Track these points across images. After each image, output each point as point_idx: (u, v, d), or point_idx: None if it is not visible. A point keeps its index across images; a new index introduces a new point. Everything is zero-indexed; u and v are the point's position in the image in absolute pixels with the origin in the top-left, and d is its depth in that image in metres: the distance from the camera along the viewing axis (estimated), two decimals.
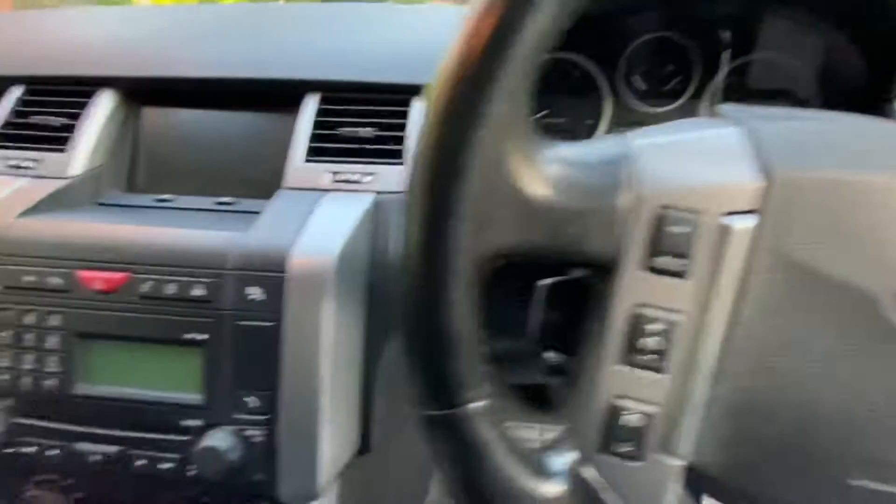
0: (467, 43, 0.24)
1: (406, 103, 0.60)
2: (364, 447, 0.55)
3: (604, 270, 0.27)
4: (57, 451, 0.49)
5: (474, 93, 0.24)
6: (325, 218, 0.51)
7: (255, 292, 0.46)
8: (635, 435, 0.28)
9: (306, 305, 0.46)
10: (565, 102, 0.72)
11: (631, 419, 0.28)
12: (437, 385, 0.27)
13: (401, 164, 0.56)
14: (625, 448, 0.28)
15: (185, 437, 0.47)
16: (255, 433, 0.47)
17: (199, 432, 0.47)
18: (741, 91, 0.73)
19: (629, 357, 0.27)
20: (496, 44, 0.24)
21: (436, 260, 0.26)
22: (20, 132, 0.62)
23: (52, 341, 0.48)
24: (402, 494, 0.74)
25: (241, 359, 0.47)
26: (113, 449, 0.48)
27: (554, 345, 0.33)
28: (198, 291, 0.46)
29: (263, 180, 0.62)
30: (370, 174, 0.56)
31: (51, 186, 0.57)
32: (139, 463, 0.48)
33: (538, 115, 0.72)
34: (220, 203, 0.60)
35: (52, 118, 0.62)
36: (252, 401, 0.47)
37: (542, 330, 0.33)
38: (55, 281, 0.48)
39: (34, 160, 0.60)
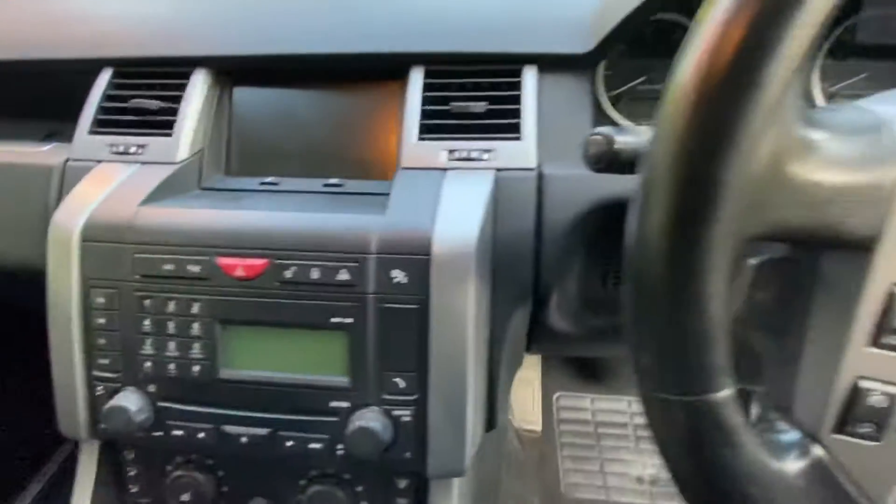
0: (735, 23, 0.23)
1: (517, 73, 0.57)
2: (490, 424, 0.56)
3: (860, 249, 0.26)
4: (204, 434, 0.50)
5: (745, 76, 0.23)
6: (455, 199, 0.50)
7: (398, 275, 0.46)
8: (877, 416, 0.28)
9: (452, 286, 0.46)
10: (665, 67, 0.69)
11: (875, 400, 0.27)
12: (692, 373, 0.26)
13: (517, 139, 0.55)
14: (864, 429, 0.28)
15: (333, 419, 0.48)
16: (403, 413, 0.47)
17: (347, 413, 0.48)
18: (847, 48, 0.69)
19: (880, 338, 0.27)
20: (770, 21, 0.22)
21: (694, 251, 0.25)
22: (119, 117, 0.61)
23: (195, 328, 0.49)
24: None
25: (387, 341, 0.47)
26: (262, 431, 0.49)
27: (761, 325, 0.33)
28: (342, 276, 0.46)
29: (364, 159, 0.61)
30: (487, 151, 0.55)
31: (162, 172, 0.56)
32: (289, 444, 0.49)
33: (636, 82, 0.70)
34: (328, 185, 0.59)
35: (149, 101, 0.61)
36: (399, 381, 0.47)
37: (748, 310, 0.33)
38: (195, 269, 0.48)
39: (139, 145, 0.59)
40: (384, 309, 0.46)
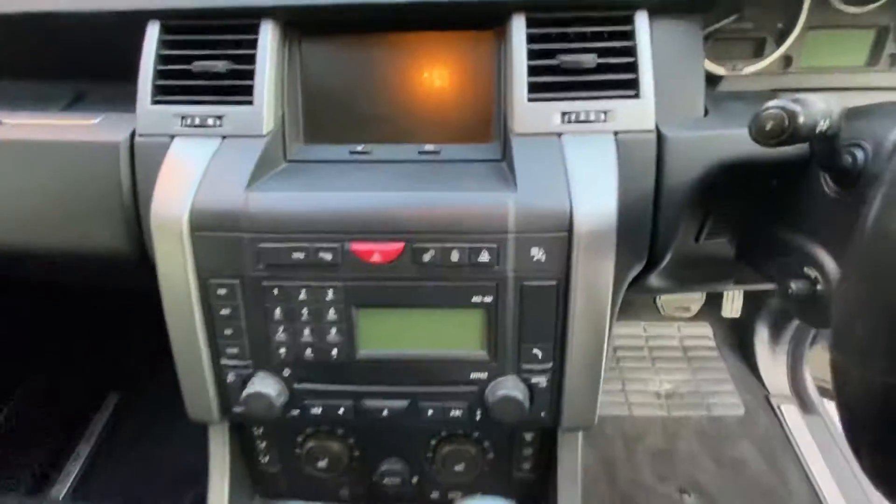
0: None
1: (628, 20, 0.53)
2: None
3: None
4: (344, 410, 0.52)
5: None
6: (584, 169, 0.48)
7: (538, 253, 0.46)
8: None
9: (593, 262, 0.46)
10: (757, 5, 0.65)
11: None
12: None
13: (634, 96, 0.52)
14: None
15: (472, 388, 0.51)
16: (540, 379, 0.50)
17: (485, 383, 0.50)
18: None
19: None
20: None
21: None
22: (183, 82, 0.54)
23: (330, 314, 0.49)
24: None
25: (525, 316, 0.48)
26: (402, 403, 0.52)
27: None
28: (483, 258, 0.46)
29: (457, 121, 0.58)
30: (603, 112, 0.52)
31: (252, 148, 0.52)
32: (429, 413, 0.52)
33: (725, 21, 0.66)
34: (424, 153, 0.56)
35: (216, 62, 0.54)
36: (537, 352, 0.49)
37: None
38: (327, 257, 0.47)
39: (216, 116, 0.54)
40: (523, 287, 0.47)
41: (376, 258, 0.47)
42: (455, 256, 0.46)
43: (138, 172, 0.53)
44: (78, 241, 0.57)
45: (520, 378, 0.50)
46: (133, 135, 0.54)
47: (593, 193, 0.47)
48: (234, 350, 0.50)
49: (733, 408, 1.47)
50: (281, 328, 0.49)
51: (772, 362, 1.55)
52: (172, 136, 0.53)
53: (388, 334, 0.50)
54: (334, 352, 0.50)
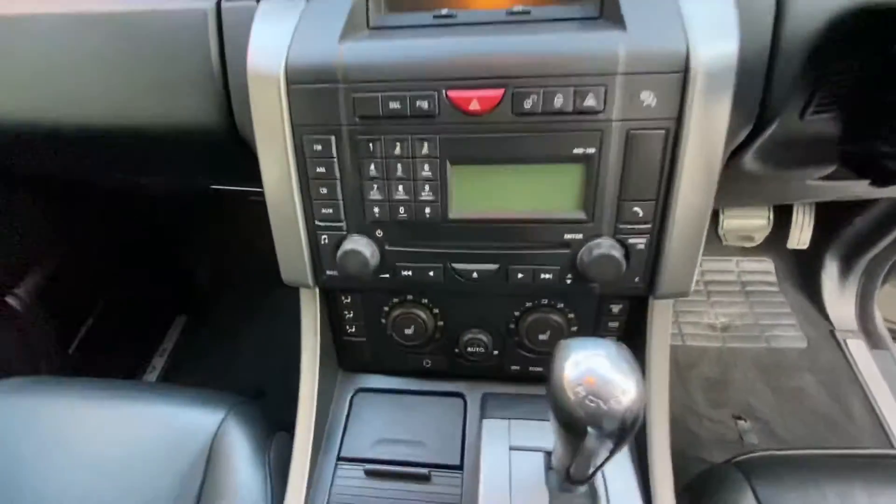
0: None
1: None
2: None
3: None
4: (433, 273, 0.53)
5: None
6: (699, 6, 0.44)
7: (648, 97, 0.43)
8: None
9: (710, 106, 0.43)
10: None
11: None
12: None
13: None
14: None
15: (565, 251, 0.50)
16: (638, 241, 0.49)
17: (580, 244, 0.49)
18: None
19: None
20: None
21: None
22: None
23: (425, 170, 0.48)
24: None
25: (629, 169, 0.46)
26: (492, 266, 0.52)
27: None
28: (589, 102, 0.44)
29: None
30: None
31: (340, 8, 0.50)
32: (519, 276, 0.52)
33: None
34: (513, 13, 0.53)
35: None
36: (638, 210, 0.47)
37: None
38: (423, 105, 0.45)
39: None
40: (630, 135, 0.45)
41: (475, 106, 0.45)
42: (558, 101, 0.44)
43: (226, 38, 0.53)
44: (167, 115, 0.57)
45: (616, 240, 0.49)
46: (219, 0, 0.53)
47: (711, 30, 0.43)
48: (329, 211, 0.51)
49: (795, 340, 1.43)
50: (375, 186, 0.49)
51: (839, 297, 1.48)
52: (258, 0, 0.52)
53: (482, 194, 0.49)
54: (427, 211, 0.50)
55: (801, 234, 1.48)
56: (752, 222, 1.44)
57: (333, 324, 0.62)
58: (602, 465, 0.39)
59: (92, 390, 0.73)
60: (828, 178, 0.66)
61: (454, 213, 0.50)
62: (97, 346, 1.27)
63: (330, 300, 0.61)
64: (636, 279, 0.51)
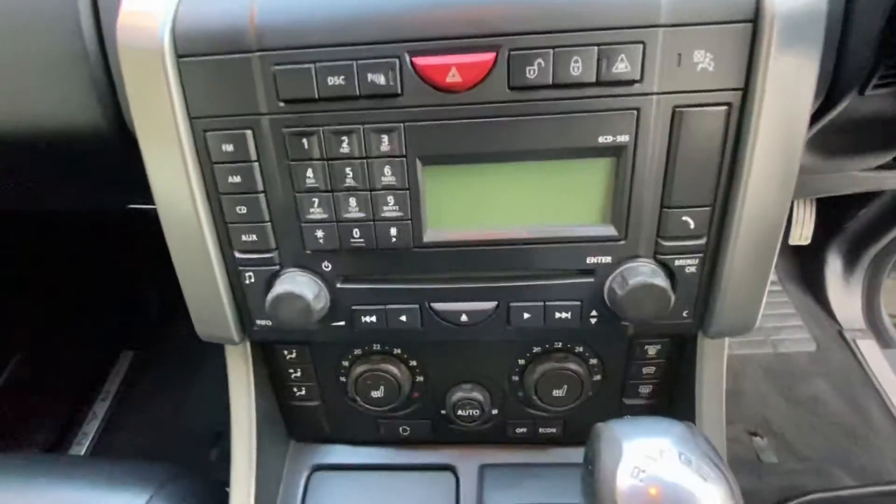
0: None
1: None
2: None
3: None
4: (407, 317, 0.38)
5: None
6: None
7: (703, 57, 0.30)
8: None
9: (791, 69, 0.30)
10: None
11: None
12: None
13: None
14: None
15: (587, 280, 0.36)
16: (687, 264, 0.35)
17: (608, 270, 0.35)
18: None
19: None
20: None
21: None
22: None
23: (386, 174, 0.33)
24: None
25: (676, 164, 0.32)
26: (487, 305, 0.37)
27: None
28: (619, 67, 0.30)
29: None
30: None
31: None
32: (525, 318, 0.37)
33: None
34: None
35: None
36: (688, 221, 0.34)
37: None
38: (378, 80, 0.31)
39: None
40: (678, 115, 0.31)
41: (453, 78, 0.31)
42: (576, 68, 0.30)
43: (102, 4, 0.37)
44: (40, 115, 0.41)
45: (658, 262, 0.35)
46: None
47: None
48: (251, 238, 0.36)
49: (803, 344, 1.33)
50: (315, 200, 0.34)
51: (845, 294, 1.39)
52: None
53: (468, 206, 0.35)
54: (392, 233, 0.35)
55: (802, 230, 1.40)
56: None
57: (276, 384, 0.47)
58: None
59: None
60: (883, 167, 0.55)
61: (431, 234, 0.35)
62: (14, 403, 1.08)
63: (269, 354, 0.45)
64: (684, 313, 0.37)
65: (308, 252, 0.36)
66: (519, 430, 0.47)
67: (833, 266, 1.40)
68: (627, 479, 0.23)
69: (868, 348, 1.32)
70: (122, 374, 1.37)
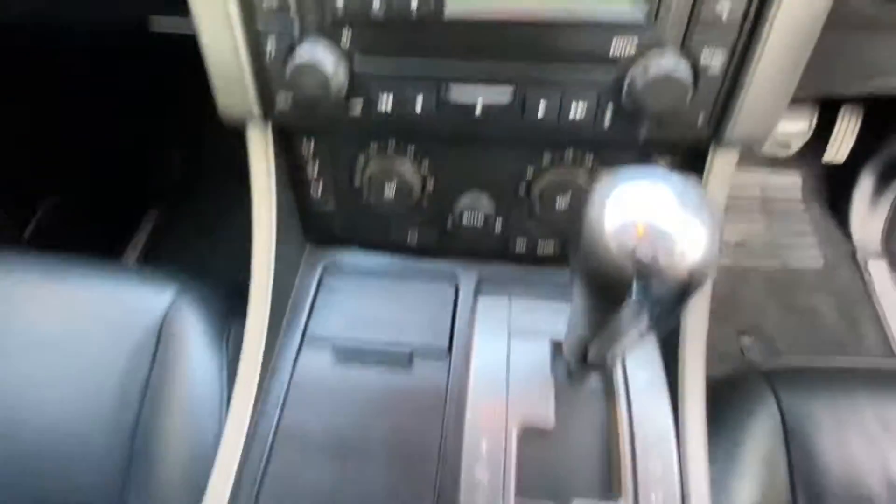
0: None
1: None
2: None
3: None
4: (423, 103, 0.38)
5: None
6: None
7: None
8: None
9: None
10: None
11: None
12: None
13: None
14: None
15: (608, 68, 0.35)
16: (713, 62, 0.34)
17: (630, 61, 0.35)
18: None
19: None
20: None
21: None
22: None
23: None
24: None
25: None
26: (503, 93, 0.37)
27: None
28: None
29: None
30: None
31: None
32: (541, 110, 0.37)
33: None
34: None
35: None
36: (721, 9, 0.32)
37: None
38: None
39: None
40: None
41: None
42: None
43: None
44: None
45: (684, 55, 0.34)
46: None
47: None
48: (272, 3, 0.35)
49: (811, 260, 1.33)
50: None
51: (868, 215, 1.36)
52: None
53: None
54: (413, 4, 0.34)
55: (840, 146, 1.33)
56: (793, 126, 1.27)
57: (294, 183, 0.49)
58: (631, 345, 0.29)
59: (32, 265, 0.63)
60: None
61: (452, 7, 0.34)
62: (55, 235, 1.15)
63: (287, 151, 0.47)
64: (699, 117, 0.37)
65: (329, 21, 0.36)
66: (519, 247, 0.49)
67: (863, 186, 1.35)
68: (616, 208, 0.24)
69: (878, 270, 1.31)
70: (146, 234, 1.44)
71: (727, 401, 0.56)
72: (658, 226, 0.23)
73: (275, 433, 0.43)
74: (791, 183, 1.44)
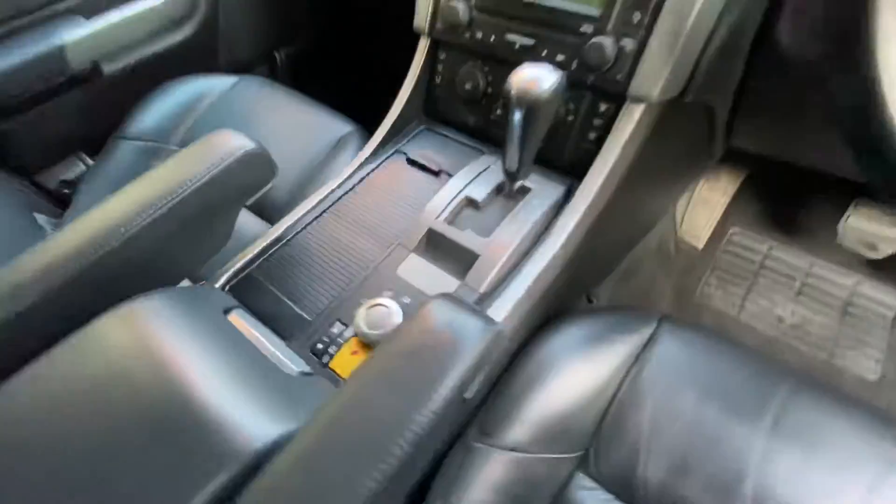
0: None
1: None
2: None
3: None
4: (494, 39, 0.79)
5: None
6: None
7: None
8: None
9: None
10: None
11: None
12: None
13: None
14: None
15: (578, 39, 0.71)
16: (629, 42, 0.67)
17: (589, 37, 0.70)
18: None
19: None
20: None
21: None
22: None
23: None
24: None
25: None
26: (530, 41, 0.76)
27: None
28: None
29: None
30: None
31: None
32: (543, 53, 0.75)
33: None
34: None
35: None
36: (636, 15, 0.66)
37: None
38: None
39: None
40: None
41: None
42: None
43: None
44: None
45: (615, 37, 0.67)
46: None
47: None
48: None
49: (865, 370, 1.26)
50: None
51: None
52: None
53: None
54: None
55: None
56: (883, 229, 1.26)
57: (429, 77, 0.93)
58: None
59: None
60: None
61: None
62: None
63: (431, 56, 0.89)
64: (619, 75, 0.69)
65: None
66: None
67: None
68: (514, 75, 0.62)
69: None
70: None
71: None
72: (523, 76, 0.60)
73: None
74: (886, 300, 1.35)
